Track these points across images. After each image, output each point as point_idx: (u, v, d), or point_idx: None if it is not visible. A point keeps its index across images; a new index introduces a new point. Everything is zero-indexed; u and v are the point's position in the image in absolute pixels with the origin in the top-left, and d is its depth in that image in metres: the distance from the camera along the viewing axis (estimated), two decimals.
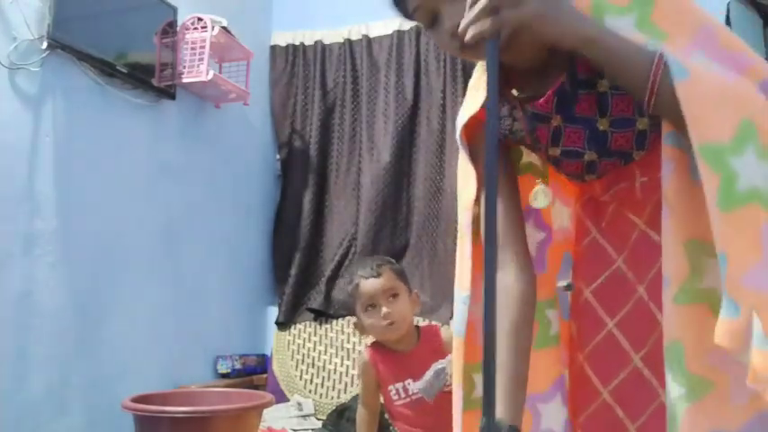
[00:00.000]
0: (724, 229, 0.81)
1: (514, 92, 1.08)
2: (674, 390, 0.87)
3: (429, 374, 1.72)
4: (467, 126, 1.11)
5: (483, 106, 1.04)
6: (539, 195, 1.06)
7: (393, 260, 2.07)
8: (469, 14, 0.88)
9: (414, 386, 1.81)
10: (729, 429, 0.85)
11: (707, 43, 0.89)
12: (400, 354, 1.91)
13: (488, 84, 0.88)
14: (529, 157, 1.19)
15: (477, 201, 1.09)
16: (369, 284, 1.88)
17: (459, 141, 1.13)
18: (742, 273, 0.80)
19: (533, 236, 1.16)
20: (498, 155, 0.87)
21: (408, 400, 1.89)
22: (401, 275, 1.95)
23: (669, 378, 0.88)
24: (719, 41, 0.90)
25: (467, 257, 1.08)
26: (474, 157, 1.10)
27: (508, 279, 1.05)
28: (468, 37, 0.88)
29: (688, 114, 0.82)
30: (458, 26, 0.92)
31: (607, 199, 1.10)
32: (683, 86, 0.83)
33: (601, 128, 1.02)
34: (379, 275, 1.88)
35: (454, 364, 1.13)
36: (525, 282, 1.06)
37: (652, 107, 0.88)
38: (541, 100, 1.03)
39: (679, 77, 0.84)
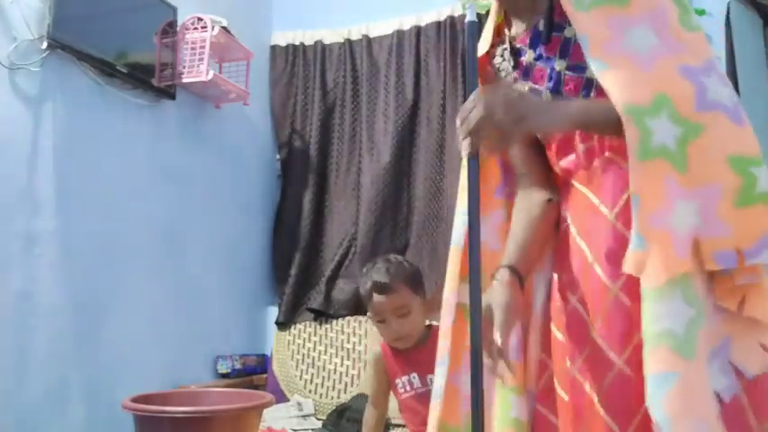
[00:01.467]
0: (638, 174, 0.97)
1: (507, 31, 1.25)
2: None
3: None
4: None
5: (485, 53, 1.28)
6: None
7: (408, 262, 1.99)
8: (459, 131, 1.04)
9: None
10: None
11: (658, 22, 1.02)
12: (410, 350, 1.91)
13: (470, 199, 1.04)
14: None
15: None
16: (380, 302, 1.84)
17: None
18: (649, 214, 0.96)
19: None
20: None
21: (413, 393, 1.91)
22: (415, 285, 1.89)
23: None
24: (669, 24, 1.02)
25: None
26: None
27: (532, 194, 1.24)
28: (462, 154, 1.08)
29: (611, 90, 0.98)
30: None
31: (560, 173, 1.21)
32: (604, 75, 1.00)
33: (557, 68, 1.15)
34: (391, 292, 1.83)
35: (448, 270, 1.33)
36: (547, 194, 1.23)
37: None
38: (522, 36, 1.20)
39: (600, 70, 1.00)
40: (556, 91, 1.15)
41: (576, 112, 1.05)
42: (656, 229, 0.96)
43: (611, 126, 0.99)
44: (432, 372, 1.84)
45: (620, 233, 1.06)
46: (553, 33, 1.14)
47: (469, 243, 1.02)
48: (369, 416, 2.03)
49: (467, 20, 1.03)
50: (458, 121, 1.03)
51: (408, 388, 1.92)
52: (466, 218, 1.26)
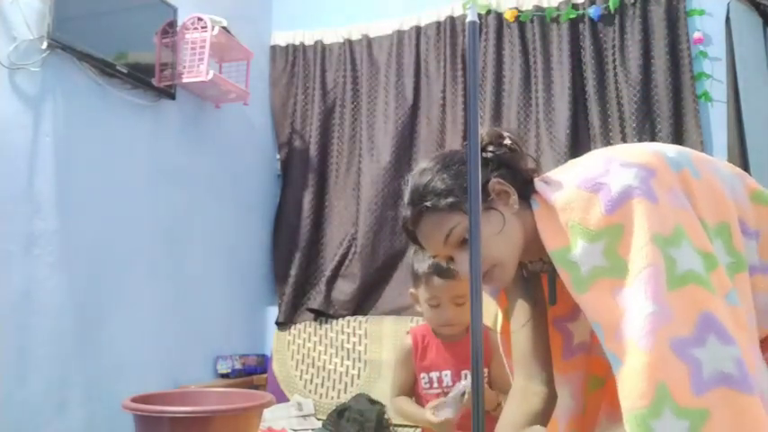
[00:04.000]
0: None
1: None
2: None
3: (453, 394, 1.68)
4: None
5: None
6: None
7: None
8: None
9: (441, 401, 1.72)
10: None
11: (651, 281, 1.01)
12: (445, 343, 1.85)
13: (470, 197, 1.02)
14: None
15: (504, 326, 1.39)
16: (440, 286, 1.75)
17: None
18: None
19: (585, 327, 1.32)
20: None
21: (440, 391, 1.84)
22: None
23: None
24: (663, 282, 1.00)
25: None
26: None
27: (532, 386, 1.25)
28: None
29: (621, 394, 0.99)
30: None
31: None
32: (616, 372, 1.00)
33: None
34: (454, 278, 1.71)
35: None
36: (548, 391, 1.25)
37: None
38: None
39: (615, 365, 1.01)
40: None
41: None
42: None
43: None
44: (468, 366, 1.79)
45: None
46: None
47: (470, 246, 1.02)
48: (398, 401, 1.91)
49: (467, 20, 1.01)
50: None
51: (436, 384, 1.85)
52: None
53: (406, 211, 1.25)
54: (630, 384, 0.97)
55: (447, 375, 1.85)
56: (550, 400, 1.23)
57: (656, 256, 1.01)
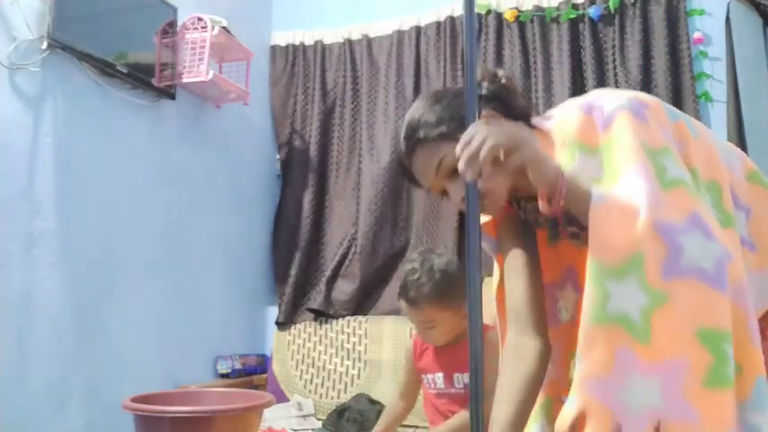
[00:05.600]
0: (587, 337, 0.95)
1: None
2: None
3: None
4: (490, 223, 1.35)
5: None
6: None
7: (441, 272, 1.80)
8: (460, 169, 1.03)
9: None
10: None
11: (645, 175, 1.01)
12: (437, 348, 1.93)
13: (468, 213, 1.04)
14: None
15: (500, 286, 1.31)
16: (404, 308, 1.85)
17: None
18: (589, 379, 0.95)
19: (572, 297, 1.27)
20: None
21: (436, 391, 1.94)
22: (443, 301, 1.78)
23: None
24: (656, 181, 1.01)
25: None
26: (499, 247, 1.34)
27: (526, 341, 1.21)
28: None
29: (591, 232, 0.98)
30: (462, 199, 1.13)
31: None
32: (596, 208, 1.00)
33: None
34: (416, 307, 1.79)
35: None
36: (541, 345, 1.21)
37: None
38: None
39: (595, 202, 1.00)
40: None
41: (569, 179, 1.04)
42: (595, 400, 0.93)
43: (585, 213, 1.00)
44: (460, 370, 1.86)
45: None
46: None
47: (468, 254, 1.02)
48: (392, 405, 2.05)
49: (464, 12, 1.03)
50: (458, 150, 1.02)
51: (433, 385, 1.95)
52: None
53: (401, 146, 1.26)
54: (610, 236, 0.97)
55: (440, 378, 1.93)
56: (545, 353, 1.21)
57: (646, 161, 1.02)
